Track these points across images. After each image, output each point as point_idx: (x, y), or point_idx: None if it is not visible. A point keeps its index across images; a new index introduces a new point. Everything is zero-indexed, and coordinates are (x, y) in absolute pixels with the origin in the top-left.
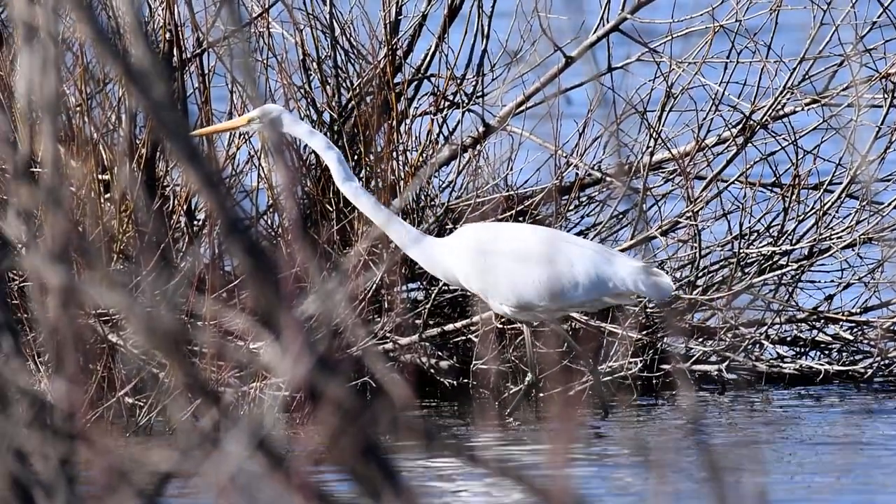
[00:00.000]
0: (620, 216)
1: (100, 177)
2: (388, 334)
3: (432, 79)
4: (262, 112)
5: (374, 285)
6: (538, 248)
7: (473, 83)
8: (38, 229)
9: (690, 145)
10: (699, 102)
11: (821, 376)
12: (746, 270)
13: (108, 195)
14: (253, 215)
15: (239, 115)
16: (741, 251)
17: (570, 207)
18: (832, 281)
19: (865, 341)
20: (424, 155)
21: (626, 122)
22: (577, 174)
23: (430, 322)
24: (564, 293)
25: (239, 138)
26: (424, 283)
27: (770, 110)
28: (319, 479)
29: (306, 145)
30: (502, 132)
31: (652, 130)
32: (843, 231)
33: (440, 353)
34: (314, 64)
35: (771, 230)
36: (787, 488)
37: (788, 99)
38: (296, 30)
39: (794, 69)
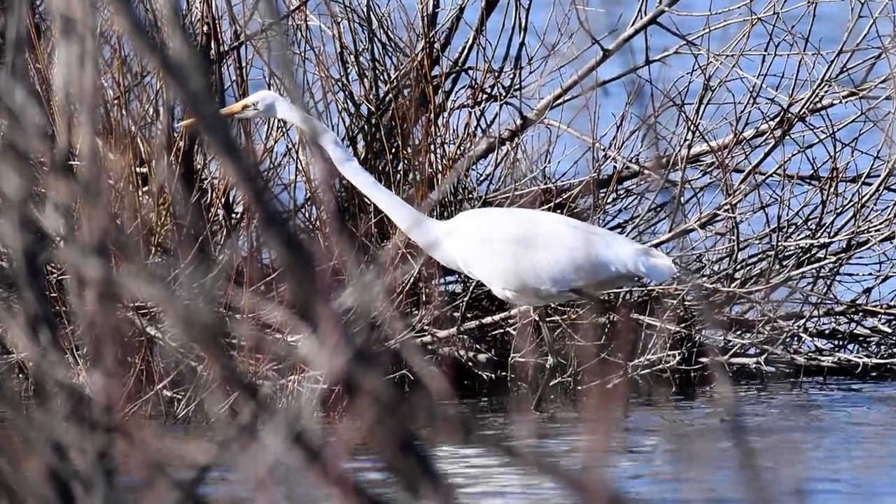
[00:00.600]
0: (658, 209)
1: (138, 169)
2: (426, 327)
3: (470, 71)
4: (258, 98)
5: (412, 278)
6: (538, 232)
7: (511, 76)
8: (77, 222)
9: (728, 138)
10: (737, 95)
11: (859, 369)
12: (784, 263)
13: (146, 188)
14: (291, 208)
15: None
16: (779, 244)
17: (608, 200)
18: (870, 274)
19: None
20: (462, 148)
21: (663, 115)
22: (614, 167)
23: (468, 315)
24: (565, 277)
25: (277, 131)
26: (462, 275)
27: (808, 103)
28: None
29: (343, 139)
30: (540, 125)
31: (690, 123)
32: (881, 223)
33: (478, 346)
34: (352, 57)
35: (809, 223)
36: (824, 480)
37: (826, 91)
38: (333, 22)
39: (832, 61)
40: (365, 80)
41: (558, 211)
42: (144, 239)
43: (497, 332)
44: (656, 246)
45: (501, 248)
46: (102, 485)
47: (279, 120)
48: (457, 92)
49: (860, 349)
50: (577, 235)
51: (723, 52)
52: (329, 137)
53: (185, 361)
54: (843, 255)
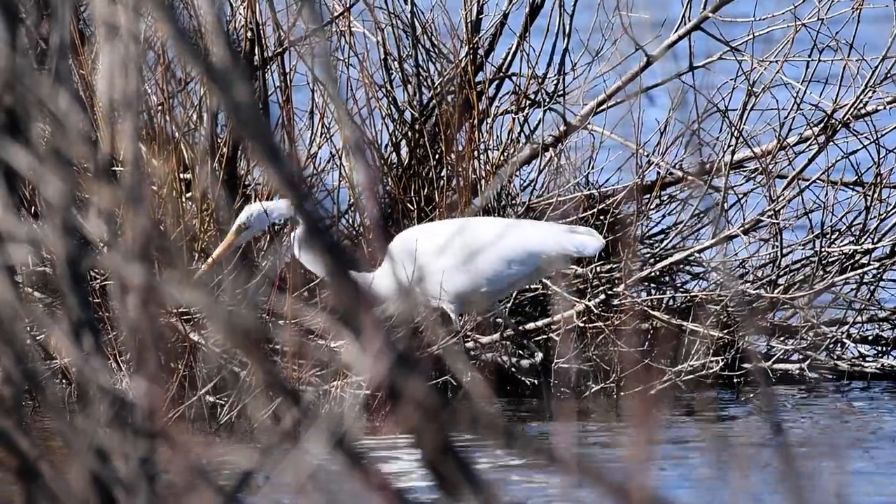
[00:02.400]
0: (701, 215)
1: (181, 175)
2: (468, 333)
3: (513, 78)
4: (246, 215)
5: None
6: (459, 238)
7: (554, 82)
8: (120, 228)
9: (772, 143)
10: (781, 100)
11: None
12: (828, 269)
13: (189, 194)
14: (334, 214)
15: (320, 114)
16: (823, 250)
17: (651, 206)
18: None
19: None
20: (505, 154)
21: (707, 121)
22: (658, 173)
23: (511, 320)
24: (500, 274)
25: (321, 137)
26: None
27: (852, 108)
28: (398, 478)
29: (386, 145)
30: (583, 131)
31: (733, 129)
32: None
33: (521, 352)
34: (395, 63)
35: (853, 229)
36: (867, 486)
37: (870, 97)
38: (377, 28)
39: (877, 67)
40: (409, 86)
41: (601, 217)
42: (187, 245)
43: (540, 337)
44: (700, 252)
45: (427, 265)
46: (145, 490)
47: (324, 125)
48: (500, 98)
49: None
50: (498, 231)
51: (767, 58)
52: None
53: (227, 367)
54: (886, 260)
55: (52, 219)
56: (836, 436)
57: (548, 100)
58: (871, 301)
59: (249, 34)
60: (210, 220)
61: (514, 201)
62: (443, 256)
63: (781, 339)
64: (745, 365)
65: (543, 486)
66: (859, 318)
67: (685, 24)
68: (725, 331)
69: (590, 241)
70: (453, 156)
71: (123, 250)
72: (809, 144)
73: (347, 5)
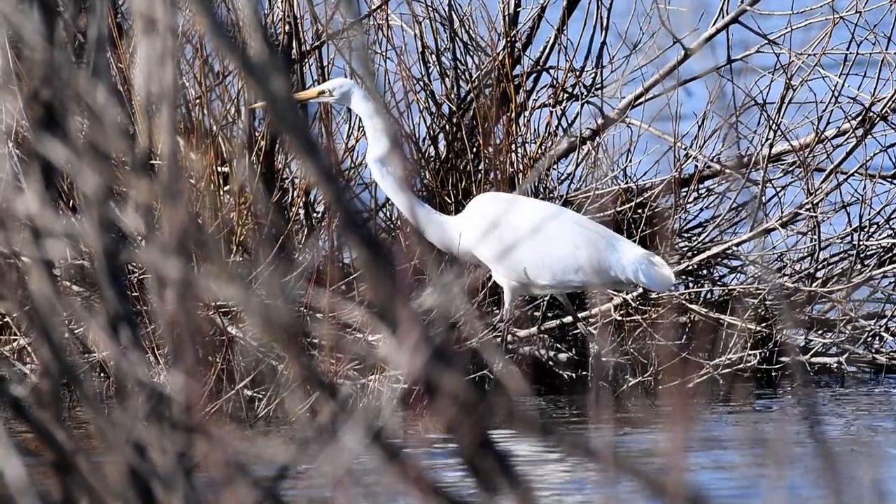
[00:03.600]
0: (739, 208)
1: (219, 169)
2: (504, 325)
3: (551, 71)
4: (335, 84)
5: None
6: (545, 226)
7: (592, 75)
8: (157, 222)
9: (810, 137)
10: (818, 94)
11: None
12: (866, 263)
13: (227, 187)
14: (371, 208)
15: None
16: (861, 243)
17: (689, 199)
18: None
19: None
20: (543, 147)
21: (745, 114)
22: (696, 166)
23: (549, 314)
24: (565, 275)
25: (358, 130)
26: None
27: (890, 101)
28: (436, 472)
29: (424, 138)
30: (621, 124)
31: (771, 122)
32: None
33: (558, 346)
34: (433, 56)
35: (891, 222)
36: None
37: None
38: (415, 22)
39: None
40: (446, 79)
41: (639, 211)
42: (225, 238)
43: (577, 331)
44: (737, 245)
45: (508, 236)
46: (183, 484)
47: (360, 126)
48: (538, 91)
49: None
50: (584, 235)
51: (804, 52)
52: (381, 133)
53: (265, 361)
54: None
55: (89, 213)
56: (873, 428)
57: (585, 93)
58: None
59: (287, 27)
60: (247, 213)
61: (551, 194)
62: (518, 233)
63: (819, 332)
64: (783, 358)
65: (580, 481)
66: None
67: (723, 16)
68: (763, 324)
69: (663, 277)
70: (491, 149)
71: (161, 244)
72: (847, 137)
73: None
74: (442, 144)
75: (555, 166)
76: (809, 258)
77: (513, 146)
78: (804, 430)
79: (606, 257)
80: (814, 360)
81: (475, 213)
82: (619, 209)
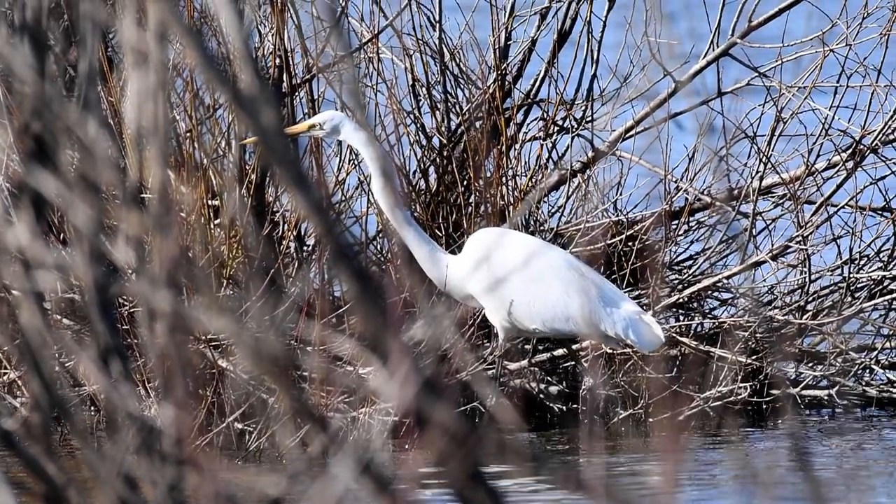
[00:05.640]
0: (729, 241)
1: (209, 202)
2: (496, 359)
3: (541, 104)
4: (325, 118)
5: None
6: (541, 270)
7: (583, 108)
8: (148, 255)
9: (800, 170)
10: (809, 127)
11: None
12: (856, 295)
13: (217, 220)
14: (362, 241)
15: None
16: (851, 276)
17: (679, 232)
18: None
19: None
20: (533, 180)
21: (735, 147)
22: (686, 199)
23: (539, 347)
24: (555, 322)
25: (349, 164)
26: None
27: (880, 134)
28: None
29: (415, 171)
30: (611, 157)
31: (761, 155)
32: None
33: (549, 378)
34: (423, 89)
35: (881, 255)
36: None
37: None
38: (405, 55)
39: None
40: (437, 112)
41: (630, 243)
42: (216, 271)
43: (568, 364)
44: (728, 278)
45: (501, 275)
46: None
47: (352, 151)
48: (528, 124)
49: None
50: (577, 282)
51: (795, 84)
52: (380, 162)
53: (255, 394)
54: None
55: (80, 245)
56: (863, 461)
57: (576, 126)
58: None
59: (278, 61)
60: (238, 246)
61: (542, 227)
62: (513, 275)
63: (810, 365)
64: (774, 391)
65: None
66: (888, 344)
67: (713, 49)
68: (753, 357)
69: (652, 337)
70: (481, 182)
71: (151, 277)
72: (838, 170)
73: (375, 32)
74: (433, 178)
75: (545, 199)
76: (800, 291)
77: (503, 179)
78: (794, 462)
79: (598, 310)
80: (804, 392)
81: (470, 252)
82: (609, 242)
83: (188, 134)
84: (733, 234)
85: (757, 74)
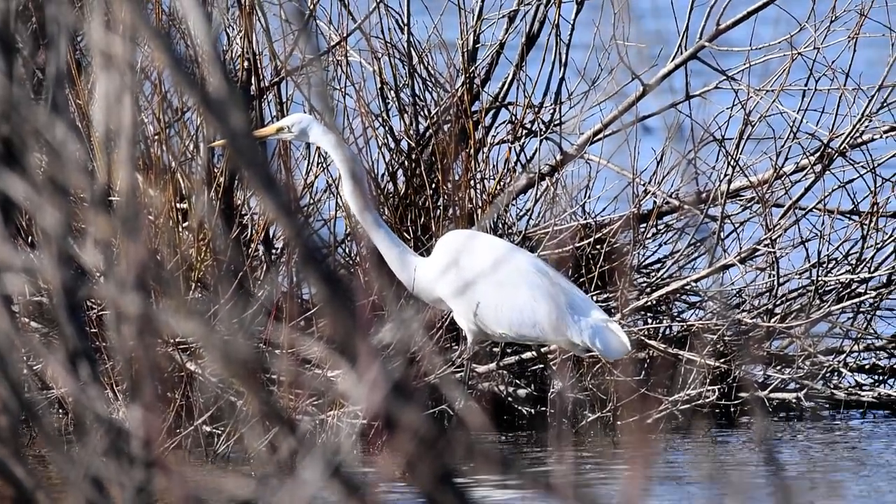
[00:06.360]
0: (698, 244)
1: (178, 205)
2: (465, 362)
3: (510, 107)
4: (293, 120)
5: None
6: (510, 274)
7: (551, 111)
8: (116, 258)
9: (768, 173)
10: (777, 130)
11: None
12: (825, 298)
13: (185, 224)
14: (330, 244)
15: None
16: (819, 279)
17: (648, 235)
18: None
19: None
20: (502, 183)
21: (703, 150)
22: (654, 202)
23: (508, 350)
24: (522, 328)
25: (317, 167)
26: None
27: (848, 138)
28: None
29: (383, 174)
30: (580, 160)
31: (730, 158)
32: None
33: (518, 381)
34: (392, 92)
35: (849, 258)
36: None
37: (867, 127)
38: (374, 58)
39: (873, 97)
40: (405, 115)
41: (598, 246)
42: (184, 274)
43: (536, 367)
44: (696, 281)
45: (469, 278)
46: None
47: (320, 154)
48: (497, 127)
49: None
50: (544, 288)
51: (763, 87)
52: (350, 165)
53: (224, 397)
54: (883, 290)
55: (48, 248)
56: (831, 464)
57: (544, 129)
58: (868, 330)
59: (246, 64)
60: (206, 249)
61: (510, 230)
62: (481, 279)
63: (778, 368)
64: (742, 394)
65: None
66: (856, 348)
67: (682, 52)
68: (722, 360)
69: (618, 345)
70: (450, 185)
71: (120, 280)
72: (806, 173)
73: (344, 35)
74: (401, 181)
75: (514, 202)
76: (768, 294)
77: (472, 182)
78: (762, 466)
79: (565, 316)
80: (772, 395)
81: (439, 255)
82: (577, 245)
83: (156, 137)
84: (701, 237)
85: (725, 78)
